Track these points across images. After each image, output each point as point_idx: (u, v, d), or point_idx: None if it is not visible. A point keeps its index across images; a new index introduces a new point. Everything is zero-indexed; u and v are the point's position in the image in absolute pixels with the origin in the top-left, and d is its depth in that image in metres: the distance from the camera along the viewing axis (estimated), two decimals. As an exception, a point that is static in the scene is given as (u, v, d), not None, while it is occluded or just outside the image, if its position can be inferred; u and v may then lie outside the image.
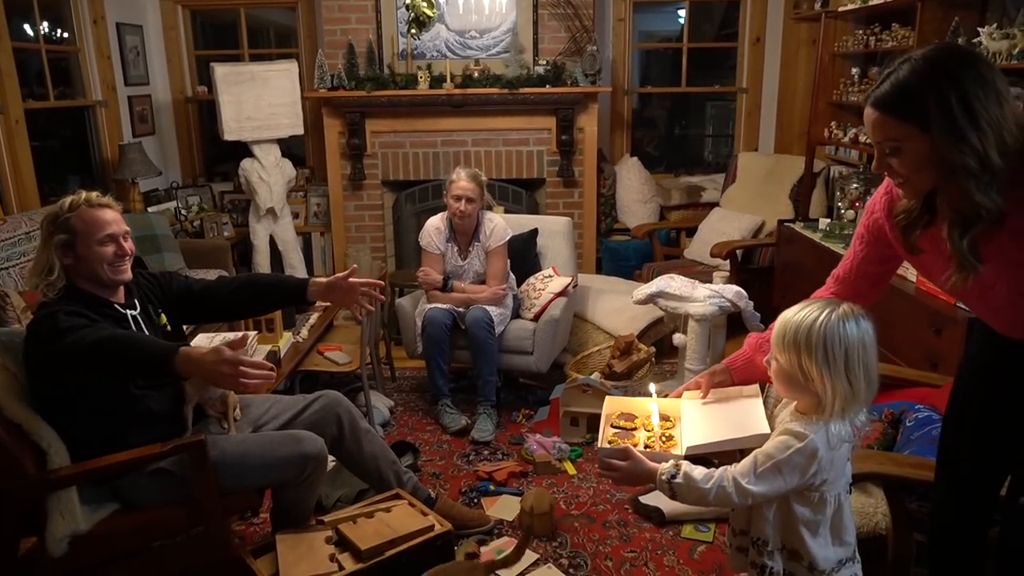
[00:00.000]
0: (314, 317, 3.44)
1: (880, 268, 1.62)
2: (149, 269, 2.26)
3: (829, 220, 3.72)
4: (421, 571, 2.02)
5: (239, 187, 4.92)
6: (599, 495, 2.80)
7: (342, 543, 2.03)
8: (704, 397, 1.75)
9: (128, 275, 2.04)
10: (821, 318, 1.40)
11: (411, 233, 4.76)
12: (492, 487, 2.84)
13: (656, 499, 2.61)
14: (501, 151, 4.76)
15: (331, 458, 2.28)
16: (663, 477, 1.48)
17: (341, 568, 1.92)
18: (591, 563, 2.41)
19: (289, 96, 4.62)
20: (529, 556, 2.42)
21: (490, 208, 3.59)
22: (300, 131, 4.77)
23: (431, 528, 2.08)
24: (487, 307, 3.33)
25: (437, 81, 4.53)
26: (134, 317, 2.06)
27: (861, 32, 4.00)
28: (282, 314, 3.19)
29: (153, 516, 1.98)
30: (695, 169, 5.66)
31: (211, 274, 4.11)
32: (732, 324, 3.54)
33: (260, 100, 4.55)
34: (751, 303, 3.25)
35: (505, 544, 2.49)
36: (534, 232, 3.89)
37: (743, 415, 1.63)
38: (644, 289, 3.35)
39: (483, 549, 2.46)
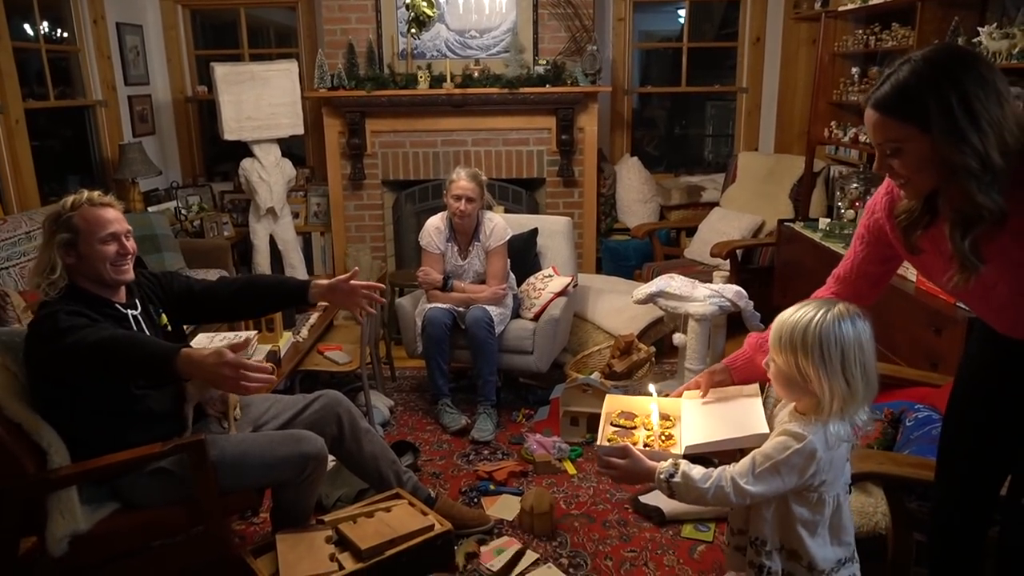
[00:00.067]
0: (314, 317, 3.44)
1: (880, 268, 1.62)
2: (149, 269, 2.26)
3: (829, 220, 3.72)
4: (421, 571, 2.02)
5: (239, 187, 4.92)
6: (599, 495, 2.80)
7: (342, 543, 2.03)
8: (703, 396, 1.75)
9: (130, 275, 2.04)
10: (817, 318, 1.40)
11: (411, 233, 4.76)
12: (492, 487, 2.84)
13: (656, 499, 2.61)
14: (501, 151, 4.76)
15: (331, 458, 2.28)
16: (661, 476, 1.48)
17: (341, 568, 1.92)
18: (591, 563, 2.41)
19: (289, 96, 4.63)
20: (529, 556, 2.42)
21: (490, 208, 3.59)
22: (300, 131, 4.77)
23: (431, 528, 2.08)
24: (487, 307, 3.33)
25: (437, 81, 4.53)
26: (135, 317, 2.06)
27: (861, 32, 4.00)
28: (282, 314, 3.19)
29: (153, 515, 1.98)
30: (695, 169, 5.67)
31: (211, 274, 4.11)
32: (732, 324, 3.53)
33: (260, 100, 4.55)
34: (751, 303, 3.25)
35: (505, 544, 2.49)
36: (534, 232, 3.89)
37: (743, 415, 1.63)
38: (644, 289, 3.35)
39: (483, 549, 2.46)
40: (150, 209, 4.68)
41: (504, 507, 2.71)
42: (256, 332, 3.04)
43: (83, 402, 1.91)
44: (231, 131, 4.53)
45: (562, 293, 3.58)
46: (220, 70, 4.48)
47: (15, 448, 1.82)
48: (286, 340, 3.17)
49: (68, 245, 1.94)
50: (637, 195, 5.09)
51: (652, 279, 3.41)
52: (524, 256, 3.79)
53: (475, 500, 2.78)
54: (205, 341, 2.83)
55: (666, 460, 1.51)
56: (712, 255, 4.21)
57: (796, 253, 3.85)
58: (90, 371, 1.81)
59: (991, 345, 1.52)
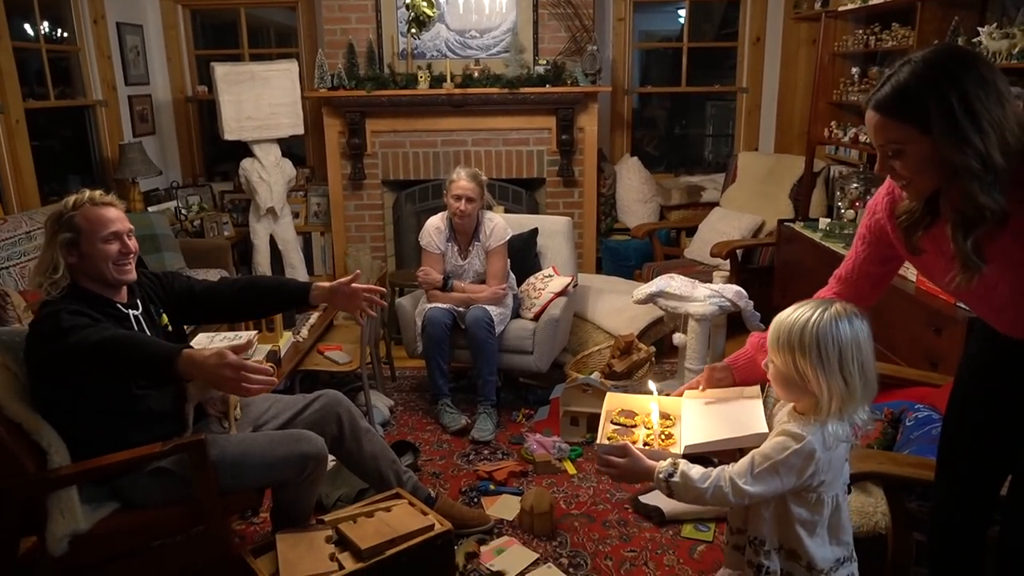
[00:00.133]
0: (314, 317, 3.44)
1: (881, 268, 1.62)
2: (149, 269, 2.26)
3: (829, 220, 3.72)
4: (421, 570, 2.02)
5: (239, 187, 4.92)
6: (599, 495, 2.80)
7: (342, 542, 2.03)
8: (703, 390, 1.75)
9: (133, 275, 2.04)
10: (814, 318, 1.40)
11: (411, 233, 4.76)
12: (492, 487, 2.84)
13: (656, 498, 2.61)
14: (501, 151, 4.76)
15: (331, 457, 2.28)
16: (660, 476, 1.48)
17: (341, 567, 1.92)
18: (591, 562, 2.41)
19: (289, 96, 4.63)
20: (529, 555, 2.42)
21: (490, 208, 3.59)
22: (300, 131, 4.77)
23: (431, 527, 2.08)
24: (487, 307, 3.33)
25: (437, 81, 4.53)
26: (136, 317, 2.06)
27: (861, 32, 4.00)
28: (282, 314, 3.19)
29: (153, 515, 1.98)
30: (695, 169, 5.67)
31: (211, 274, 4.11)
32: (732, 324, 3.54)
33: (260, 100, 4.55)
34: (751, 303, 3.25)
35: (505, 543, 2.49)
36: (534, 232, 3.89)
37: (742, 415, 1.63)
38: (644, 289, 3.35)
39: (483, 549, 2.46)
40: (150, 209, 4.68)
41: (504, 507, 2.71)
42: (256, 332, 3.04)
43: (84, 402, 1.91)
44: (231, 131, 4.53)
45: (562, 293, 3.58)
46: (220, 70, 4.48)
47: (15, 448, 1.82)
48: (286, 340, 3.17)
49: (70, 244, 1.94)
50: (637, 195, 5.09)
51: (652, 279, 3.41)
52: (524, 256, 3.79)
53: (475, 500, 2.78)
54: (205, 341, 2.83)
55: (665, 459, 1.51)
56: (712, 255, 4.21)
57: (796, 253, 3.85)
58: (91, 371, 1.81)
59: (991, 345, 1.52)
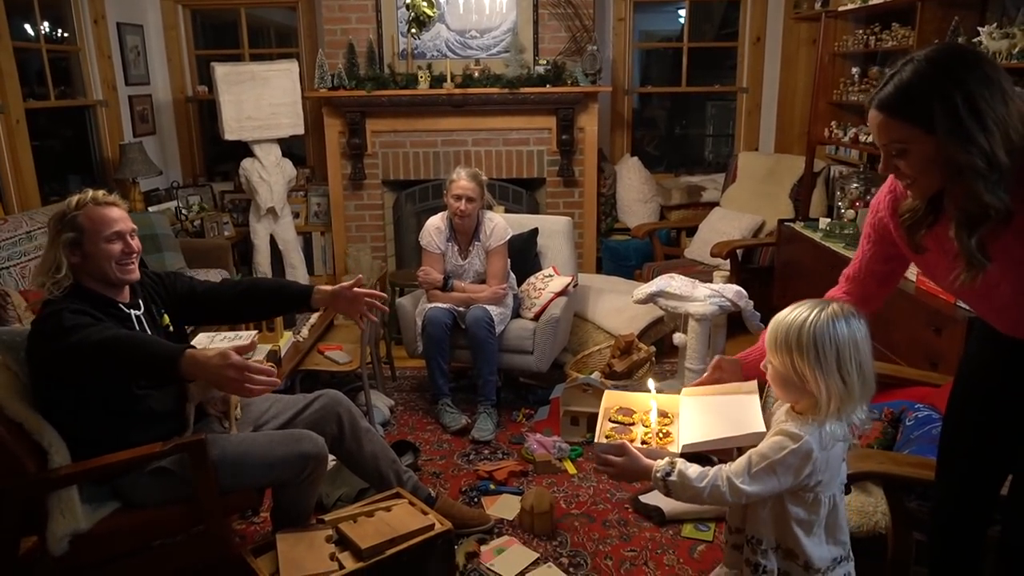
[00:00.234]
0: (314, 317, 3.44)
1: (887, 266, 1.62)
2: (150, 268, 2.26)
3: (829, 220, 3.72)
4: (421, 570, 2.02)
5: (239, 187, 4.92)
6: (599, 494, 2.80)
7: (342, 542, 2.03)
8: (709, 382, 1.74)
9: (136, 274, 2.04)
10: (811, 318, 1.40)
11: (411, 233, 4.77)
12: (492, 486, 2.84)
13: (656, 498, 2.61)
14: (501, 151, 4.76)
15: (331, 457, 2.28)
16: (658, 475, 1.48)
17: (341, 567, 1.92)
18: (591, 562, 2.41)
19: (289, 96, 4.63)
20: (529, 555, 2.42)
21: (490, 208, 3.59)
22: (300, 131, 4.77)
23: (431, 527, 2.08)
24: (487, 306, 3.33)
25: (437, 81, 4.53)
26: (138, 317, 2.06)
27: (861, 32, 4.00)
28: (283, 314, 3.20)
29: (154, 515, 1.98)
30: (695, 169, 5.67)
31: (212, 273, 4.12)
32: (732, 324, 3.54)
33: (260, 100, 4.55)
34: (751, 302, 3.25)
35: (505, 543, 2.49)
36: (534, 232, 3.89)
37: (741, 413, 1.63)
38: (644, 289, 3.35)
39: (483, 548, 2.46)
40: (150, 209, 4.68)
41: (504, 507, 2.71)
42: (256, 332, 3.04)
43: (84, 401, 1.91)
44: (231, 131, 4.53)
45: (562, 293, 3.58)
46: (220, 70, 4.48)
47: (16, 447, 1.82)
48: (286, 340, 3.17)
49: (73, 244, 1.94)
50: (637, 195, 5.09)
51: (652, 279, 3.41)
52: (524, 256, 3.79)
53: (475, 500, 2.78)
54: (205, 341, 2.83)
55: (663, 458, 1.51)
56: (712, 255, 4.21)
57: (796, 253, 3.85)
58: (93, 370, 1.81)
59: (991, 344, 1.52)
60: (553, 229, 3.91)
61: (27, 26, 4.23)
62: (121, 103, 4.81)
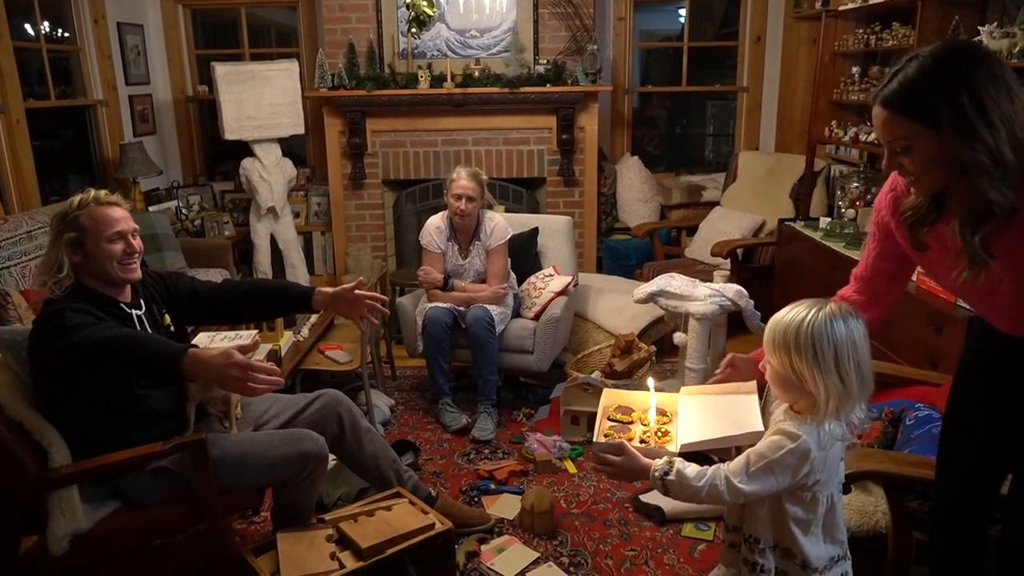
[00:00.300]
0: (315, 316, 3.44)
1: (893, 265, 1.62)
2: (151, 268, 2.26)
3: (830, 219, 3.72)
4: (422, 569, 2.02)
5: (240, 186, 4.92)
6: (599, 494, 2.80)
7: (343, 541, 2.03)
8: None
9: (138, 273, 2.04)
10: (809, 318, 1.41)
11: (412, 232, 4.77)
12: (493, 486, 2.84)
13: (657, 497, 2.61)
14: (502, 150, 4.76)
15: (332, 457, 2.28)
16: (656, 474, 1.49)
17: (342, 566, 1.92)
18: (591, 562, 2.41)
19: (290, 95, 4.63)
20: (530, 554, 2.43)
21: (491, 207, 3.59)
22: (301, 130, 4.77)
23: (432, 527, 2.08)
24: (488, 306, 3.33)
25: (438, 80, 4.53)
26: (139, 317, 2.06)
27: (861, 31, 3.99)
28: (283, 314, 3.20)
29: (154, 514, 1.98)
30: (696, 168, 5.67)
31: (212, 273, 4.12)
32: (733, 323, 3.54)
33: (261, 99, 4.55)
34: (751, 302, 3.25)
35: (506, 542, 2.49)
36: (535, 231, 3.89)
37: (739, 412, 1.63)
38: (645, 288, 3.35)
39: (483, 548, 2.46)
40: (151, 208, 4.68)
41: (505, 506, 2.71)
42: (257, 332, 3.04)
43: (85, 401, 1.92)
44: (232, 131, 4.53)
45: (563, 292, 3.58)
46: (221, 70, 4.48)
47: (16, 447, 1.82)
48: (287, 339, 3.17)
49: (75, 244, 1.94)
50: (638, 194, 5.09)
51: (653, 278, 3.41)
52: (525, 255, 3.79)
53: (476, 499, 2.78)
54: (206, 341, 2.83)
55: (661, 457, 1.51)
56: (713, 254, 4.21)
57: (797, 252, 3.85)
58: (95, 369, 1.81)
59: (988, 343, 1.52)
60: (553, 228, 3.91)
61: (27, 26, 4.23)
62: (121, 103, 4.81)
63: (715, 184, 5.19)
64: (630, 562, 2.40)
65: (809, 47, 4.88)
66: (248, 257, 4.94)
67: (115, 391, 1.95)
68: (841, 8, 4.04)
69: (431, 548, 2.05)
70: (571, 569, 2.37)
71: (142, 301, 2.10)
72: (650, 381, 1.81)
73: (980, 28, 2.89)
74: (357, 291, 2.22)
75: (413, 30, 4.59)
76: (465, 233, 3.48)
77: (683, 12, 5.32)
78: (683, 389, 1.78)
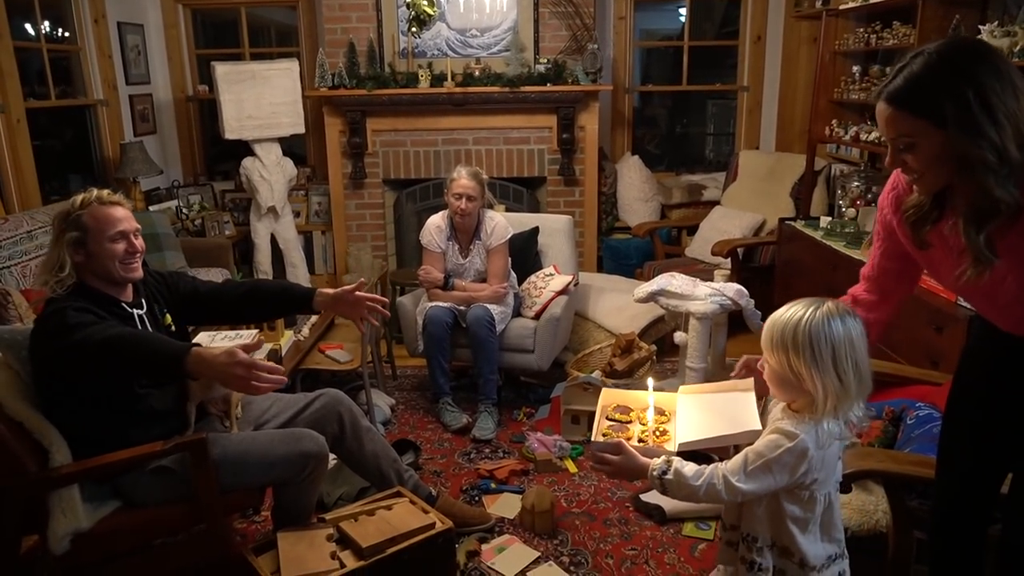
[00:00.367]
0: (315, 316, 3.43)
1: (899, 264, 1.61)
2: (151, 268, 2.27)
3: (830, 218, 3.72)
4: (422, 568, 2.02)
5: (240, 186, 4.92)
6: (600, 493, 2.80)
7: (343, 541, 2.03)
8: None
9: (139, 273, 2.05)
10: (806, 317, 1.41)
11: (412, 232, 4.77)
12: (493, 485, 2.84)
13: (657, 497, 2.61)
14: (502, 149, 4.76)
15: (332, 456, 2.28)
16: (654, 473, 1.49)
17: (343, 566, 1.92)
18: (592, 561, 2.41)
19: (290, 95, 4.63)
20: (530, 554, 2.43)
21: (491, 206, 3.59)
22: (301, 130, 4.77)
23: (432, 526, 2.08)
24: (488, 305, 3.33)
25: (438, 80, 4.53)
26: (140, 316, 2.07)
27: (862, 30, 3.99)
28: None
29: (154, 514, 1.98)
30: (696, 167, 5.66)
31: (212, 272, 4.12)
32: (733, 322, 3.53)
33: (261, 99, 4.55)
34: (752, 301, 3.25)
35: (506, 542, 2.49)
36: (535, 231, 3.89)
37: (737, 410, 1.63)
38: (645, 287, 3.35)
39: (484, 547, 2.46)
40: (151, 208, 4.68)
41: (505, 505, 2.71)
42: (258, 332, 3.04)
43: (86, 400, 1.92)
44: (232, 130, 4.53)
45: (563, 292, 3.58)
46: (221, 69, 4.48)
47: (16, 446, 1.82)
48: (287, 339, 3.17)
49: (77, 243, 1.95)
50: (638, 194, 5.09)
51: (653, 278, 3.41)
52: (525, 255, 3.79)
53: (476, 498, 2.78)
54: (206, 340, 2.83)
55: (659, 457, 1.51)
56: (713, 253, 4.21)
57: (797, 251, 3.85)
58: (97, 368, 1.81)
59: (988, 342, 1.52)
60: (554, 228, 3.91)
61: (28, 26, 4.23)
62: (122, 102, 4.81)
63: (715, 183, 5.19)
64: (631, 561, 2.40)
65: (809, 46, 4.88)
66: (248, 257, 4.94)
67: (116, 390, 1.95)
68: (841, 7, 4.03)
69: (432, 547, 2.05)
70: (571, 568, 2.37)
71: (143, 301, 2.11)
72: (649, 381, 1.81)
73: (981, 27, 2.89)
74: (358, 293, 2.22)
75: (413, 29, 4.59)
76: (465, 232, 3.48)
77: (683, 11, 5.32)
78: (681, 388, 1.78)
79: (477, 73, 4.53)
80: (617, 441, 1.56)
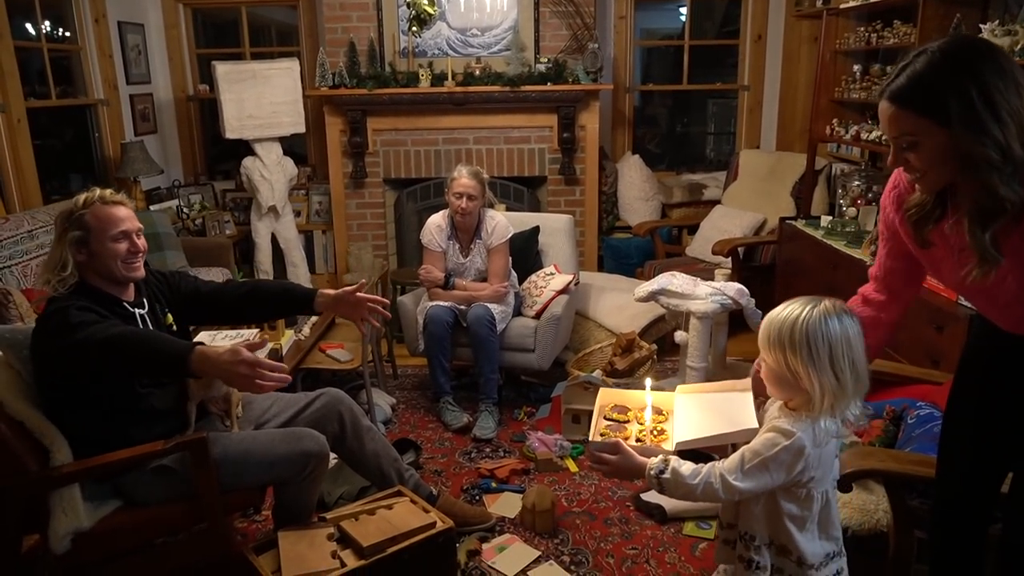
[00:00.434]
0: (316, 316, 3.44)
1: (904, 263, 1.61)
2: (153, 268, 2.27)
3: (831, 217, 3.72)
4: (423, 568, 2.02)
5: (241, 185, 4.93)
6: (600, 492, 2.80)
7: (344, 540, 2.03)
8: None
9: (141, 272, 2.05)
10: (803, 315, 1.41)
11: (412, 231, 4.77)
12: (494, 484, 2.85)
13: (658, 496, 2.61)
14: (503, 149, 4.76)
15: (333, 455, 2.28)
16: (652, 472, 1.49)
17: (343, 565, 1.93)
18: (592, 560, 2.41)
19: (290, 94, 4.63)
20: (531, 553, 2.43)
21: (492, 206, 3.59)
22: (302, 129, 4.77)
23: (433, 525, 2.08)
24: (489, 305, 3.33)
25: (438, 79, 4.53)
26: (142, 316, 2.07)
27: (863, 29, 3.99)
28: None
29: (155, 513, 1.98)
30: (697, 166, 5.66)
31: (213, 272, 4.12)
32: (734, 322, 3.53)
33: (262, 98, 4.55)
34: (752, 300, 3.25)
35: (507, 541, 2.49)
36: (535, 230, 3.89)
37: (734, 409, 1.63)
38: (646, 287, 3.35)
39: (485, 546, 2.46)
40: (152, 207, 4.69)
41: (506, 505, 2.71)
42: (259, 331, 3.04)
43: (87, 400, 1.92)
44: (233, 130, 4.53)
45: (564, 291, 3.58)
46: (221, 69, 4.49)
47: (17, 446, 1.82)
48: (288, 338, 3.17)
49: (80, 242, 1.95)
50: (639, 193, 5.09)
51: (654, 277, 3.41)
52: (526, 254, 3.79)
53: (477, 498, 2.78)
54: (207, 340, 2.83)
55: (657, 456, 1.52)
56: (714, 253, 4.21)
57: (798, 251, 3.85)
58: (100, 367, 1.81)
59: (987, 341, 1.52)
60: (554, 227, 3.91)
61: (28, 25, 4.24)
62: (122, 102, 4.81)
63: (716, 182, 5.19)
64: (631, 561, 2.40)
65: (810, 45, 4.88)
66: (249, 256, 4.94)
67: (116, 390, 1.95)
68: (842, 6, 4.03)
69: (432, 547, 2.05)
70: (572, 568, 2.37)
71: (145, 300, 2.11)
72: (648, 381, 1.81)
73: (981, 26, 2.89)
74: (359, 294, 2.22)
75: (414, 29, 4.59)
76: (466, 232, 3.48)
77: (684, 10, 5.32)
78: (678, 388, 1.78)
79: (477, 72, 4.53)
80: (615, 441, 1.56)
